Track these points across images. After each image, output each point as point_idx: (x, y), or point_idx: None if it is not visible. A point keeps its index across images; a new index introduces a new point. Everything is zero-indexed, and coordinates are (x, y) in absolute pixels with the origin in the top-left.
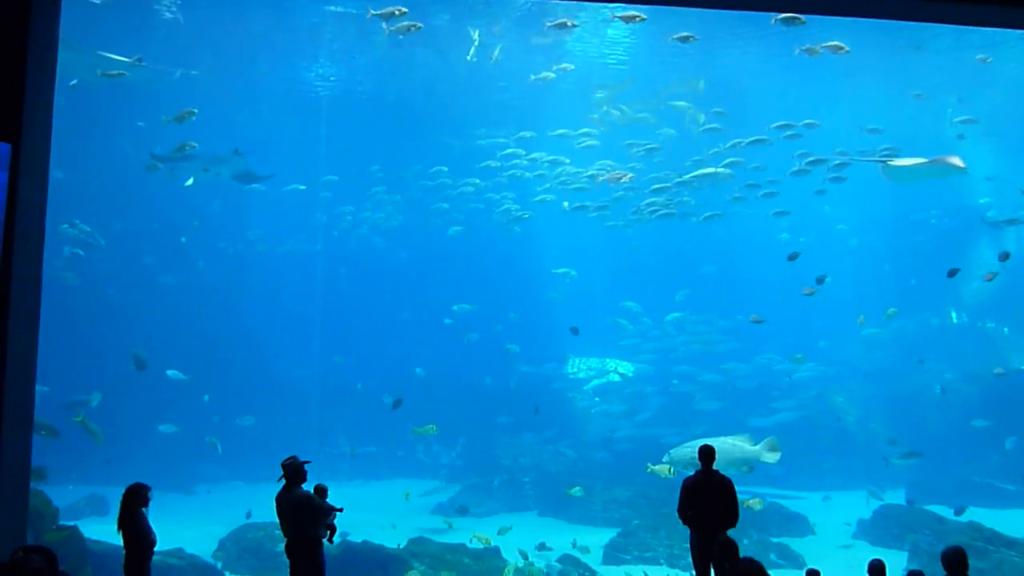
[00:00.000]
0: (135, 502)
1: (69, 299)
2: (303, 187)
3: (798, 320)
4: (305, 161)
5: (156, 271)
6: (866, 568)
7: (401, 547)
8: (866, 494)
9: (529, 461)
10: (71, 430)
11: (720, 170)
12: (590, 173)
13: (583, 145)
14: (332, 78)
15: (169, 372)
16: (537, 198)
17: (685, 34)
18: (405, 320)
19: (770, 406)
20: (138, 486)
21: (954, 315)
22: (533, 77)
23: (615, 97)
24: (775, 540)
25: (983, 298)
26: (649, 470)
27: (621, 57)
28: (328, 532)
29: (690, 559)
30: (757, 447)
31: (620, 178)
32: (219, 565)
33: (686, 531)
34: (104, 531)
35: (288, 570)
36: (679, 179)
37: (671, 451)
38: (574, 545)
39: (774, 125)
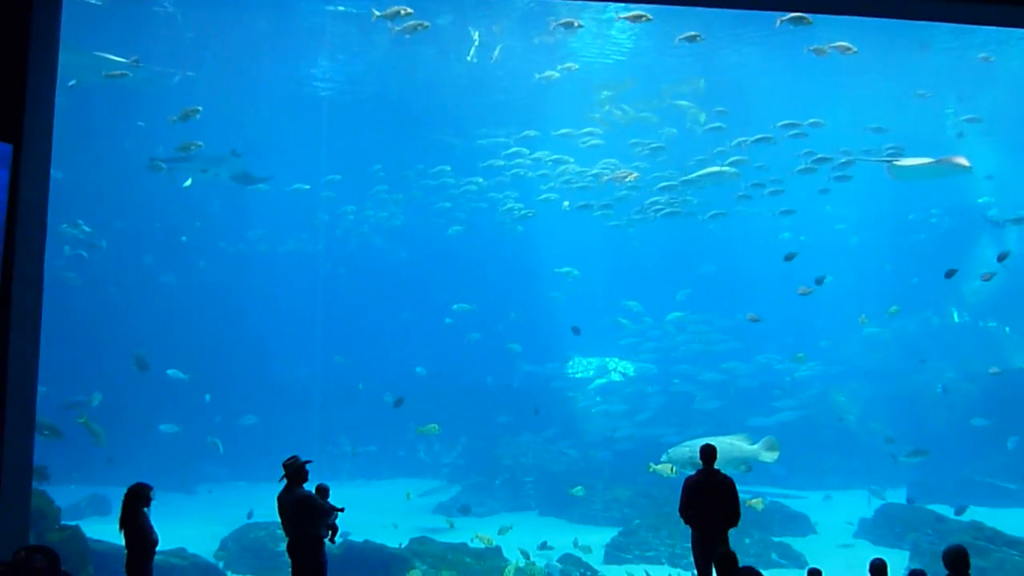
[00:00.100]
0: (137, 502)
1: (70, 299)
2: (307, 186)
3: (799, 319)
4: (306, 161)
5: (157, 271)
6: (867, 567)
7: (403, 547)
8: (867, 493)
9: (530, 461)
10: (73, 430)
11: (726, 169)
12: (594, 172)
13: (588, 144)
14: (333, 78)
15: (169, 371)
16: (541, 197)
17: (692, 34)
18: (406, 320)
19: (771, 405)
20: (140, 486)
21: (955, 314)
22: (537, 76)
23: (616, 96)
24: (776, 539)
25: (984, 297)
26: (651, 469)
27: (620, 57)
28: (330, 532)
29: (692, 558)
30: (755, 446)
31: (625, 177)
32: (221, 565)
33: (688, 530)
34: (106, 531)
35: (290, 570)
36: (685, 178)
37: (669, 451)
38: (575, 544)
39: (780, 124)
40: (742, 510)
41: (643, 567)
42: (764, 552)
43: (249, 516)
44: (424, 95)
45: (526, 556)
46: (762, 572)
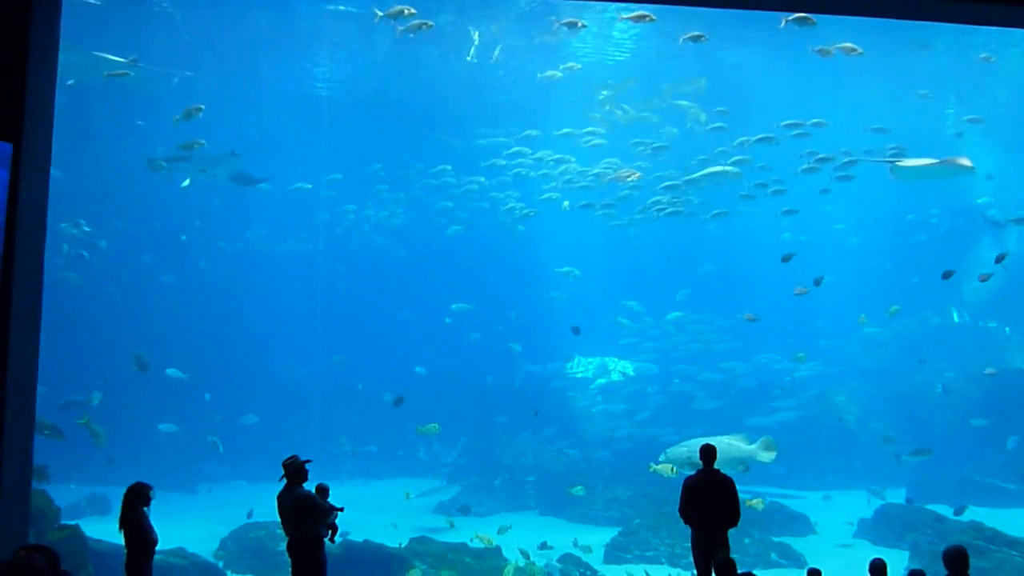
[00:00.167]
0: (137, 501)
1: (69, 298)
2: (309, 186)
3: (798, 319)
4: (307, 160)
5: (157, 270)
6: (867, 567)
7: (402, 546)
8: (866, 494)
9: (530, 460)
10: (73, 429)
11: (729, 169)
12: (596, 171)
13: (591, 144)
14: (333, 77)
15: (168, 371)
16: (543, 196)
17: (696, 34)
18: (406, 319)
19: (771, 405)
20: (140, 485)
21: (955, 314)
22: (540, 75)
23: (617, 96)
24: (776, 539)
25: (984, 297)
26: (652, 469)
27: (620, 57)
28: (329, 532)
29: (691, 558)
30: (753, 446)
31: (628, 177)
32: (220, 564)
33: (687, 530)
34: (106, 530)
35: (289, 569)
36: (688, 177)
37: (667, 450)
38: (575, 544)
39: (783, 123)
40: (742, 510)
41: (643, 567)
42: (764, 552)
43: (249, 516)
44: (424, 94)
45: (526, 556)
46: (762, 573)
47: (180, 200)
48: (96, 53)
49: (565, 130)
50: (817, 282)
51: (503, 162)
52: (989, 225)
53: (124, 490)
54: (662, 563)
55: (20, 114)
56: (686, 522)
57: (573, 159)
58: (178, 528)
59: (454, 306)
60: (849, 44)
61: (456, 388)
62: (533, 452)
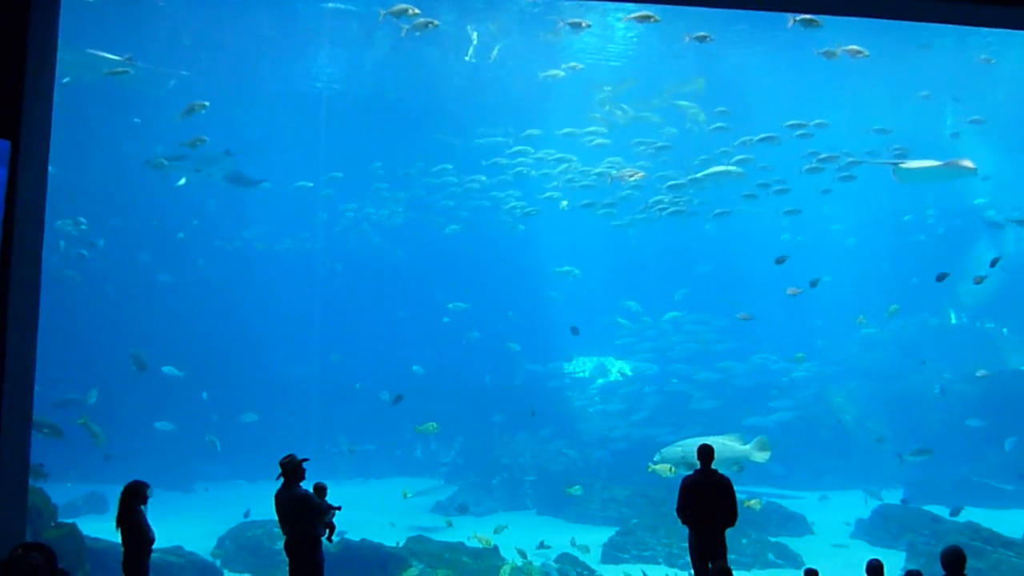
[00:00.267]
0: (134, 500)
1: (66, 296)
2: (310, 184)
3: (796, 320)
4: (306, 159)
5: (154, 268)
6: (864, 568)
7: (400, 545)
8: (864, 494)
9: (528, 460)
10: (70, 428)
11: (732, 169)
12: (598, 171)
13: (594, 144)
14: (333, 76)
15: (165, 368)
16: (545, 195)
17: (702, 34)
18: (404, 318)
19: (768, 405)
20: (137, 484)
21: (953, 315)
22: (542, 75)
23: (617, 96)
24: (773, 540)
25: (982, 298)
26: (650, 469)
27: (622, 59)
28: (327, 530)
29: (688, 558)
30: (747, 446)
31: (631, 176)
32: (218, 563)
33: (685, 530)
34: (103, 528)
35: (287, 568)
36: (692, 177)
37: (662, 450)
38: (573, 544)
39: (787, 124)
40: (739, 510)
41: (640, 567)
42: (761, 552)
43: (246, 515)
44: (424, 94)
45: (523, 555)
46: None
47: (178, 199)
48: (91, 51)
49: (567, 130)
50: (813, 284)
51: (504, 161)
52: (988, 226)
53: (121, 488)
54: (659, 563)
55: (18, 112)
56: (683, 522)
57: (575, 158)
58: (175, 527)
59: (451, 305)
60: (855, 47)
61: (454, 387)
62: (531, 452)
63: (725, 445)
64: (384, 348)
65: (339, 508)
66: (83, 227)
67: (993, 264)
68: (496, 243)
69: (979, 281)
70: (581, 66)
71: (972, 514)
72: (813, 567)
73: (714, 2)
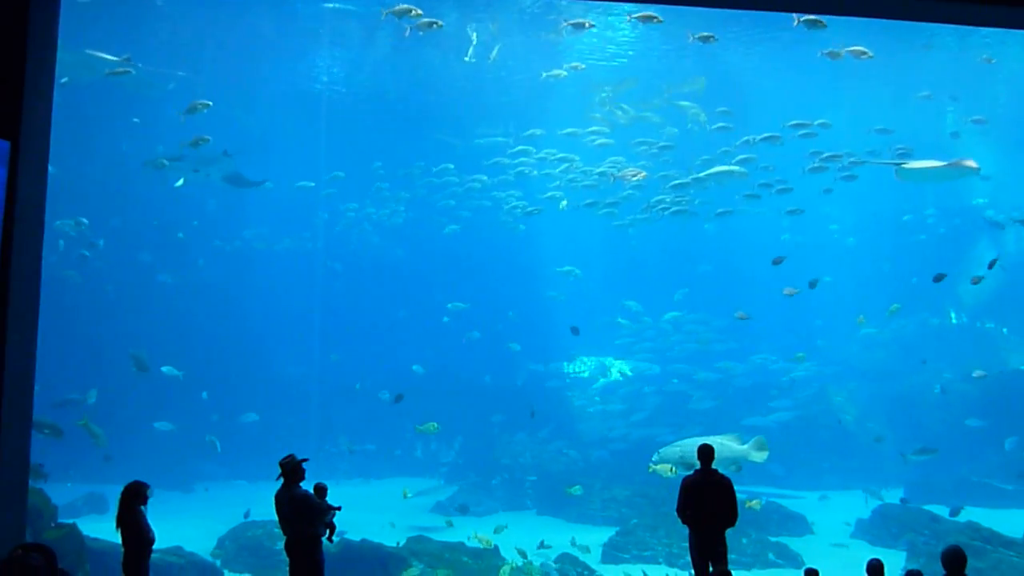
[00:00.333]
0: (134, 500)
1: (66, 296)
2: (312, 184)
3: (796, 319)
4: (306, 159)
5: (153, 268)
6: (864, 568)
7: (400, 545)
8: (863, 494)
9: (528, 460)
10: (70, 428)
11: (736, 169)
12: (600, 171)
13: (597, 143)
14: (333, 75)
15: (164, 368)
16: (547, 194)
17: (706, 34)
18: (404, 318)
19: (768, 405)
20: (137, 484)
21: (953, 315)
22: (545, 75)
23: (617, 96)
24: (774, 539)
25: (982, 298)
26: (651, 470)
27: (621, 58)
28: (327, 531)
29: (689, 558)
30: (745, 446)
31: (634, 176)
32: (218, 563)
33: (685, 530)
34: (103, 529)
35: (287, 568)
36: (695, 176)
37: (660, 450)
38: (573, 544)
39: (789, 123)
40: (739, 510)
41: (640, 567)
42: (761, 552)
43: (246, 516)
44: (425, 94)
45: (523, 555)
46: (759, 572)
47: (178, 199)
48: (89, 51)
49: (569, 129)
50: (812, 284)
51: (506, 160)
52: (989, 226)
53: (121, 489)
54: (660, 563)
55: (18, 112)
56: (684, 522)
57: (577, 158)
58: (175, 527)
59: (450, 305)
60: (859, 47)
61: (454, 387)
62: (531, 452)
63: (723, 445)
64: (384, 348)
65: (339, 508)
66: (84, 228)
67: (991, 266)
68: (496, 243)
69: (976, 281)
70: (583, 66)
71: (972, 514)
72: (813, 567)
73: (715, 2)
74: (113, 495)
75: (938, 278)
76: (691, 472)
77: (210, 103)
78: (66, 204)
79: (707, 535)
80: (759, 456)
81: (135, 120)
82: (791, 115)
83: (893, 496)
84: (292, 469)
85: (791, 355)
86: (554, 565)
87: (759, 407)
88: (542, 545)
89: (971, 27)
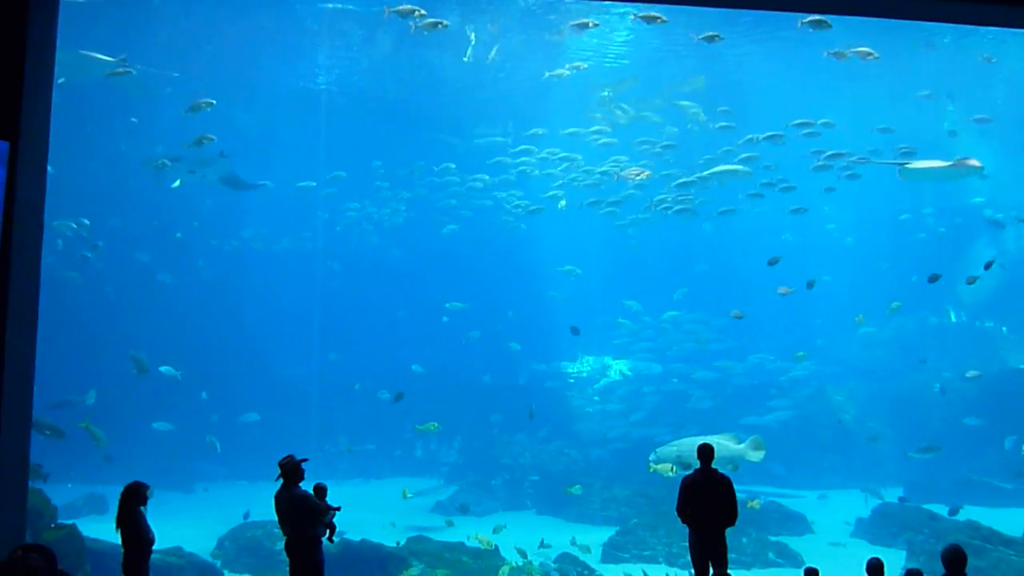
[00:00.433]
0: (134, 500)
1: (65, 296)
2: (313, 183)
3: (795, 319)
4: (306, 159)
5: (153, 268)
6: (864, 567)
7: (400, 545)
8: (862, 493)
9: (528, 460)
10: (70, 429)
11: (740, 168)
12: (603, 170)
13: (600, 143)
14: (333, 75)
15: (162, 368)
16: (548, 193)
17: (712, 34)
18: (403, 318)
19: (766, 405)
20: (137, 485)
21: (953, 314)
22: (548, 74)
23: (617, 95)
24: (774, 539)
25: (981, 297)
26: (652, 469)
27: (621, 58)
28: (327, 531)
29: (689, 558)
30: (741, 446)
31: (638, 175)
32: (218, 563)
33: (685, 530)
34: (103, 529)
35: (287, 568)
36: (700, 175)
37: (657, 450)
38: (573, 543)
39: (793, 123)
40: (739, 510)
41: (640, 566)
42: (761, 551)
43: (245, 517)
44: (425, 93)
45: (523, 555)
46: (759, 572)
47: (177, 198)
48: (83, 52)
49: (571, 129)
50: (810, 285)
51: (508, 160)
52: (989, 225)
53: (121, 489)
54: (659, 562)
55: (17, 112)
56: (684, 522)
57: (580, 157)
58: (175, 527)
59: (448, 304)
60: (865, 48)
61: (453, 387)
62: (531, 452)
63: (720, 444)
64: (384, 348)
65: (338, 508)
66: (83, 231)
67: (987, 267)
68: (496, 243)
69: (971, 282)
70: (585, 65)
71: (972, 512)
72: (813, 566)
73: (717, 1)
74: (113, 496)
75: (933, 278)
76: (690, 471)
77: (213, 101)
78: (65, 204)
79: (707, 535)
80: (755, 455)
81: (133, 120)
82: (790, 114)
83: (893, 495)
84: (291, 469)
85: (790, 354)
86: (554, 565)
87: (758, 406)
88: (542, 545)
89: (971, 26)
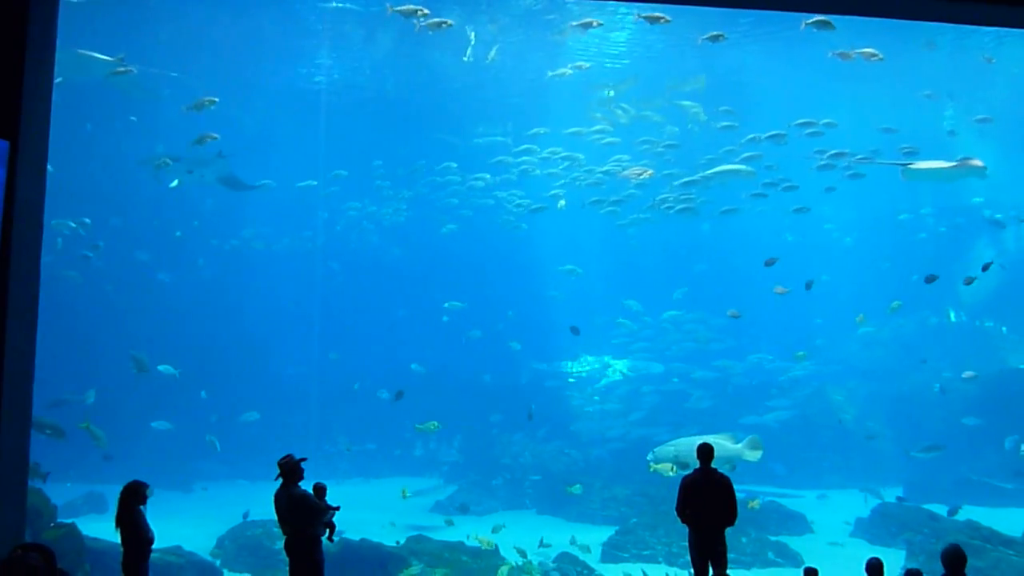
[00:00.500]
0: (133, 500)
1: (64, 296)
2: (315, 183)
3: (795, 318)
4: (306, 158)
5: (152, 268)
6: (864, 566)
7: (400, 545)
8: (861, 493)
9: (528, 460)
10: (70, 428)
11: (743, 168)
12: (605, 169)
13: (604, 142)
14: (333, 74)
15: (160, 367)
16: (551, 192)
17: (716, 33)
18: (403, 317)
19: (766, 404)
20: (136, 484)
21: (952, 314)
22: (551, 73)
23: (618, 95)
24: (773, 538)
25: (981, 297)
26: (652, 469)
27: (622, 58)
28: (327, 530)
29: (688, 557)
30: (739, 445)
31: (641, 174)
32: (217, 563)
33: (684, 529)
34: (102, 529)
35: (287, 568)
36: (704, 174)
37: (655, 449)
38: (573, 543)
39: (796, 122)
40: (739, 510)
41: (640, 566)
42: (761, 551)
43: (245, 516)
44: (425, 93)
45: (523, 555)
46: (759, 571)
47: (177, 198)
48: (81, 51)
49: (573, 129)
50: (808, 286)
51: (510, 159)
52: (989, 225)
53: (121, 488)
54: (659, 562)
55: (17, 112)
56: (683, 521)
57: (582, 156)
58: (175, 526)
59: (447, 304)
60: (870, 49)
61: (453, 386)
62: (531, 451)
63: (717, 444)
64: (383, 347)
65: (338, 508)
66: (81, 229)
67: (985, 269)
68: (497, 242)
69: (969, 282)
70: (587, 65)
71: (972, 512)
72: (813, 566)
73: (719, 1)
74: (112, 495)
75: (929, 279)
76: (689, 471)
77: (216, 99)
78: (65, 203)
79: (707, 534)
80: (753, 455)
81: (133, 118)
82: (789, 113)
83: (892, 495)
84: (291, 469)
85: (790, 354)
86: (553, 564)
87: (757, 406)
88: (542, 544)
89: (971, 26)
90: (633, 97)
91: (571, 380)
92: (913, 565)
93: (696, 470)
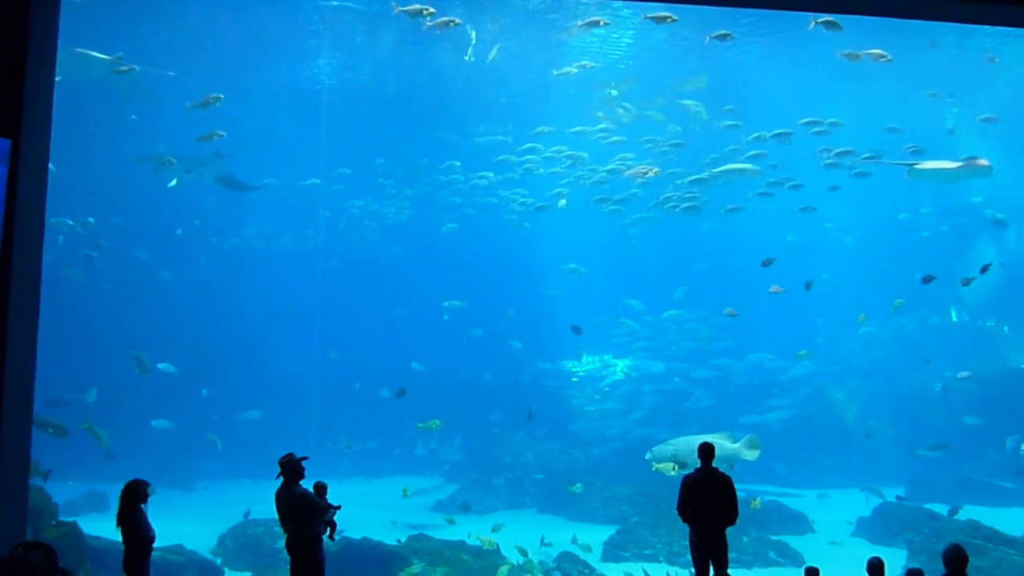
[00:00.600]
0: (134, 498)
1: (65, 294)
2: (318, 181)
3: (796, 318)
4: (307, 157)
5: (153, 266)
6: (865, 566)
7: (401, 543)
8: (862, 492)
9: (530, 459)
10: (71, 426)
11: (749, 167)
12: (609, 168)
13: (610, 141)
14: (335, 73)
15: (160, 365)
16: (554, 191)
17: (723, 32)
18: (403, 316)
19: (766, 404)
20: (137, 482)
21: (954, 313)
22: (556, 72)
23: (620, 94)
24: (774, 538)
25: (983, 296)
26: (654, 468)
27: (624, 58)
28: (328, 529)
29: (689, 557)
30: (737, 445)
31: (646, 173)
32: (218, 561)
33: (685, 529)
34: (103, 527)
35: (288, 566)
36: (710, 173)
37: (653, 448)
38: (574, 542)
39: (802, 121)
40: (740, 509)
41: (641, 565)
42: (762, 550)
43: (246, 515)
44: (427, 92)
45: (524, 553)
46: (760, 571)
47: (178, 197)
48: (80, 50)
49: (578, 128)
50: (808, 286)
51: (513, 158)
52: (991, 224)
53: (122, 487)
54: (660, 561)
55: (18, 110)
56: (684, 521)
57: (586, 155)
58: (176, 525)
59: (447, 303)
60: (878, 50)
61: (454, 385)
62: (532, 450)
63: (715, 443)
64: (384, 346)
65: (339, 507)
66: (79, 227)
67: (983, 270)
68: (498, 241)
69: (967, 283)
70: (591, 64)
71: (974, 512)
72: (814, 565)
73: (722, 0)
74: (114, 493)
75: (926, 279)
76: (690, 470)
77: (221, 96)
78: (66, 202)
79: (707, 533)
80: (751, 455)
81: (133, 117)
82: (790, 113)
83: (893, 495)
84: (291, 468)
85: (790, 353)
86: (554, 563)
87: (758, 405)
88: (543, 543)
89: (973, 26)
90: (635, 96)
91: (573, 380)
92: (914, 565)
93: (697, 469)
